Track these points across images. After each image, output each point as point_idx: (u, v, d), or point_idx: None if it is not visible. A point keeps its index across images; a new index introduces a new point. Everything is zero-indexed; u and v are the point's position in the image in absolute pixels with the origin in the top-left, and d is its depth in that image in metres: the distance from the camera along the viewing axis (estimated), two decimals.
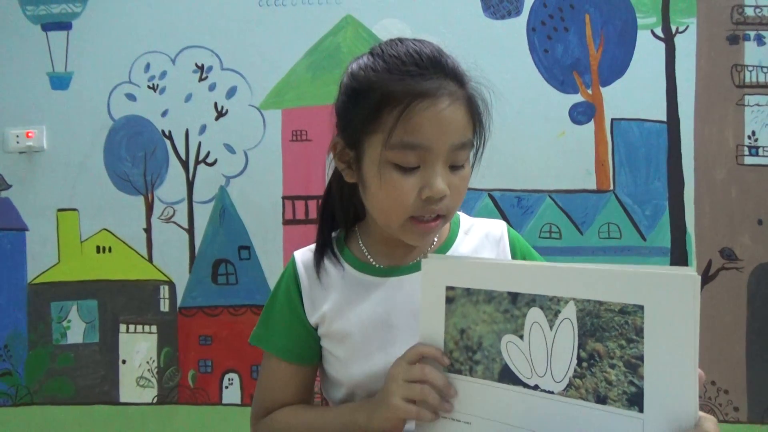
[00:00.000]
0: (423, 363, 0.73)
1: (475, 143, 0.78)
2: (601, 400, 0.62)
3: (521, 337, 0.68)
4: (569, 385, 0.64)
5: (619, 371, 0.61)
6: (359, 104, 0.75)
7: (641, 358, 0.60)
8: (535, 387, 0.67)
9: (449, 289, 0.73)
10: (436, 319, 0.73)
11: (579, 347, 0.63)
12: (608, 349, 0.62)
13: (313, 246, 0.89)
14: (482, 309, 0.71)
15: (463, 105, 0.75)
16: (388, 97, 0.72)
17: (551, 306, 0.65)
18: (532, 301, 0.67)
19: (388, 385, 0.74)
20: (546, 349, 0.66)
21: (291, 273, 0.88)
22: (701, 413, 0.60)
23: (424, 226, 0.76)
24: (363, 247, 0.86)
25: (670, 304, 0.58)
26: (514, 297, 0.68)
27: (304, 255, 0.89)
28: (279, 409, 0.88)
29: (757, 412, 1.73)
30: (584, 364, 0.63)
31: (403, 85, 0.72)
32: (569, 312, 0.64)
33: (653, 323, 0.59)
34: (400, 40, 0.78)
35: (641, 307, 0.60)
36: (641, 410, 0.60)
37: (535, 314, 0.67)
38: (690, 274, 0.58)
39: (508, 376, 0.69)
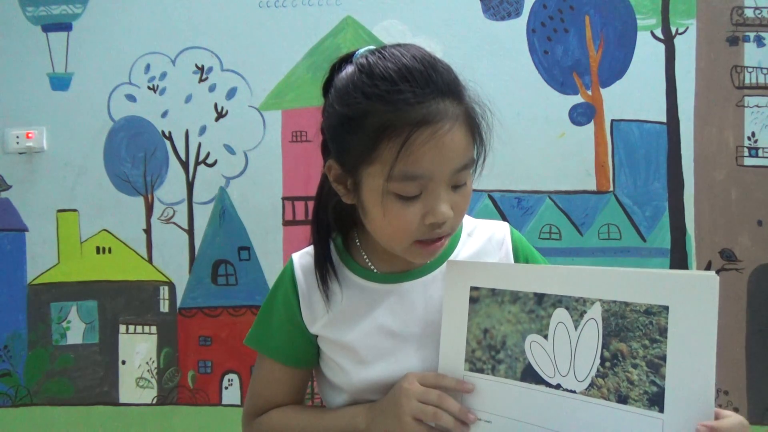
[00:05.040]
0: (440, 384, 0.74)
1: (475, 157, 0.76)
2: (623, 399, 0.63)
3: (546, 336, 0.69)
4: (591, 385, 0.65)
5: (641, 371, 0.62)
6: (353, 133, 0.71)
7: (664, 358, 0.61)
8: (558, 386, 0.68)
9: (474, 289, 0.75)
10: (460, 318, 0.75)
11: (603, 347, 0.65)
12: (632, 349, 0.63)
13: (311, 249, 0.87)
14: (507, 309, 0.72)
15: (463, 125, 0.71)
16: (385, 128, 0.68)
17: (577, 306, 0.67)
18: (558, 301, 0.68)
19: (399, 398, 0.74)
20: (570, 348, 0.67)
21: (289, 277, 0.86)
22: (723, 410, 0.62)
23: (429, 248, 0.75)
24: (364, 254, 0.85)
25: (694, 305, 0.59)
26: (540, 298, 0.70)
27: (302, 259, 0.87)
28: (273, 410, 0.87)
29: (757, 413, 1.73)
30: (607, 364, 0.64)
31: (399, 115, 0.68)
32: (595, 312, 0.65)
33: (677, 323, 0.60)
34: (387, 51, 0.73)
35: (666, 308, 0.61)
36: (662, 410, 0.61)
37: (560, 314, 0.68)
38: (711, 274, 0.59)
39: (530, 376, 0.70)
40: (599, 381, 0.64)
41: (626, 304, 0.63)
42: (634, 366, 0.62)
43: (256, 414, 0.88)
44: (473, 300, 0.75)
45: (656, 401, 0.61)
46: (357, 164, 0.72)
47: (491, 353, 0.73)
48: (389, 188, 0.70)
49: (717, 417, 0.62)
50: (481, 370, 0.73)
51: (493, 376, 0.72)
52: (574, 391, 0.66)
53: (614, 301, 0.64)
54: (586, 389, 0.65)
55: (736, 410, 1.72)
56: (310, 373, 0.90)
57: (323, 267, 0.83)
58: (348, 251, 0.86)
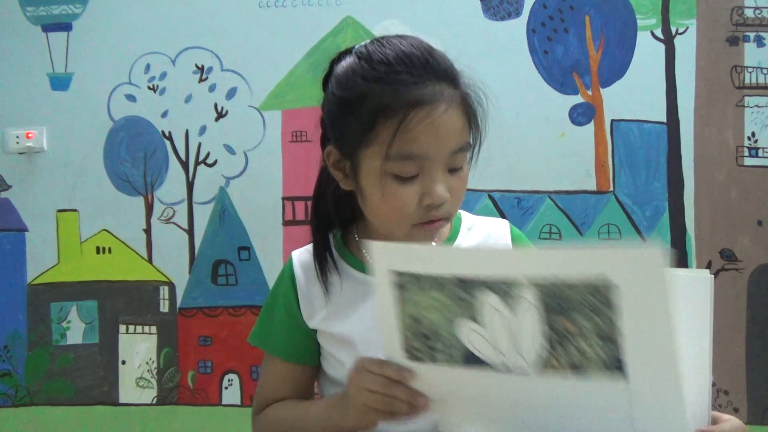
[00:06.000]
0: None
1: (471, 142, 0.78)
2: (581, 373, 0.60)
3: (479, 322, 0.64)
4: (544, 365, 0.62)
5: (593, 343, 0.59)
6: (352, 116, 0.74)
7: (614, 328, 0.57)
8: (506, 369, 0.64)
9: (398, 275, 0.67)
10: (389, 306, 0.69)
11: (548, 326, 0.61)
12: (578, 324, 0.59)
13: (310, 246, 0.87)
14: (432, 295, 0.66)
15: (458, 108, 0.74)
16: (383, 109, 0.71)
17: (506, 290, 0.62)
18: (485, 285, 0.63)
19: (351, 390, 0.72)
20: (509, 332, 0.63)
21: (288, 274, 0.88)
22: (722, 414, 0.61)
23: (428, 227, 0.76)
24: (363, 249, 0.85)
25: (633, 276, 0.56)
26: (464, 282, 0.64)
27: (302, 256, 0.88)
28: (272, 404, 0.88)
29: (757, 413, 1.73)
30: (554, 342, 0.61)
31: (397, 96, 0.71)
32: (527, 293, 0.61)
33: (621, 294, 0.57)
34: (386, 40, 0.76)
35: (605, 276, 0.57)
36: (625, 377, 0.58)
37: (490, 298, 0.63)
38: (652, 249, 0.55)
39: (474, 361, 0.65)
40: (552, 361, 0.61)
41: (561, 281, 0.59)
42: (584, 339, 0.59)
43: (262, 411, 0.90)
44: (401, 287, 0.67)
45: (617, 367, 0.58)
46: (355, 147, 0.74)
47: (426, 342, 0.68)
48: (387, 168, 0.72)
49: (715, 421, 0.61)
50: (420, 359, 0.68)
51: (434, 365, 0.67)
52: (528, 374, 0.63)
53: (547, 280, 0.59)
54: (539, 370, 0.62)
55: (736, 410, 1.72)
56: (314, 371, 0.90)
57: (322, 257, 0.84)
58: (347, 247, 0.87)
